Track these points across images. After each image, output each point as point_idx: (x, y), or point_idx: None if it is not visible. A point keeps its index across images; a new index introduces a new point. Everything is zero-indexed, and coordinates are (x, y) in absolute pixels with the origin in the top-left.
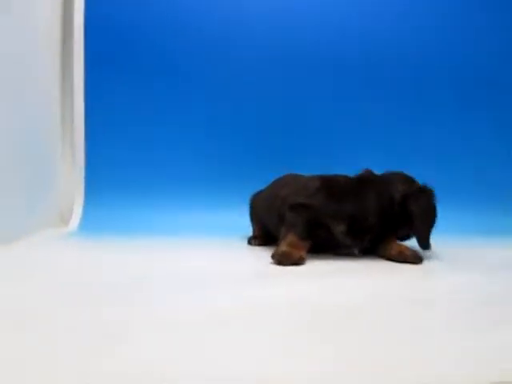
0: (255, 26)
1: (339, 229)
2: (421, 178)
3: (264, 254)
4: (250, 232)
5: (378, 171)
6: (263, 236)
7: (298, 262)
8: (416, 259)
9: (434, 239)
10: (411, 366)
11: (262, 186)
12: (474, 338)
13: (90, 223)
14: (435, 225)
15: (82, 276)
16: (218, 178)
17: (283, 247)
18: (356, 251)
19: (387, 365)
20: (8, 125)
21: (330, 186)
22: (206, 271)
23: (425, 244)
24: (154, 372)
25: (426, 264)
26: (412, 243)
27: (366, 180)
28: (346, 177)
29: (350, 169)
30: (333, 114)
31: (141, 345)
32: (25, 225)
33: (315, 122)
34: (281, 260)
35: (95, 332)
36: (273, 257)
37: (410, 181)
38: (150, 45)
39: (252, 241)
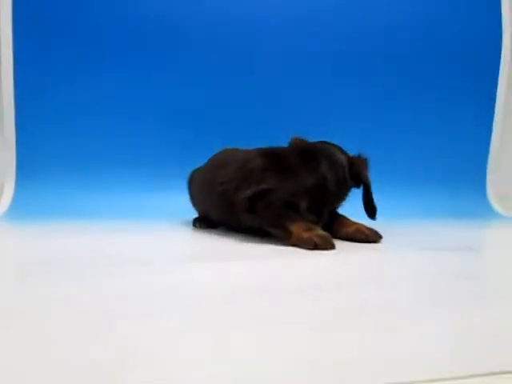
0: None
1: (302, 206)
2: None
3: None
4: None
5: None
6: (208, 218)
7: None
8: (376, 237)
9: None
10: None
11: None
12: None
13: (21, 208)
14: None
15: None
16: (160, 160)
17: (305, 233)
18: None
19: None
20: None
21: (277, 162)
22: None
23: (375, 212)
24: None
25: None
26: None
27: (311, 150)
28: (285, 148)
29: None
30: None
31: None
32: None
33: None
34: (320, 243)
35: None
36: (306, 243)
37: (342, 149)
38: (87, 20)
39: (197, 223)
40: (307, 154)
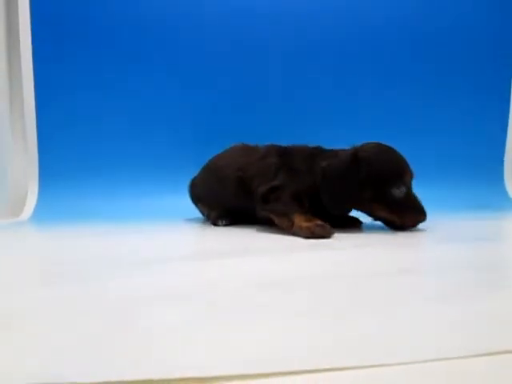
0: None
1: (305, 202)
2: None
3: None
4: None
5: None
6: (227, 214)
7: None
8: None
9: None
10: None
11: None
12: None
13: (44, 213)
14: None
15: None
16: (174, 163)
17: (305, 222)
18: None
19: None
20: None
21: (288, 161)
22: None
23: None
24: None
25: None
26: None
27: (315, 154)
28: (298, 149)
29: None
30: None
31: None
32: None
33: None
34: (316, 231)
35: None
36: (304, 231)
37: None
38: (101, 29)
39: (218, 221)
40: (313, 158)
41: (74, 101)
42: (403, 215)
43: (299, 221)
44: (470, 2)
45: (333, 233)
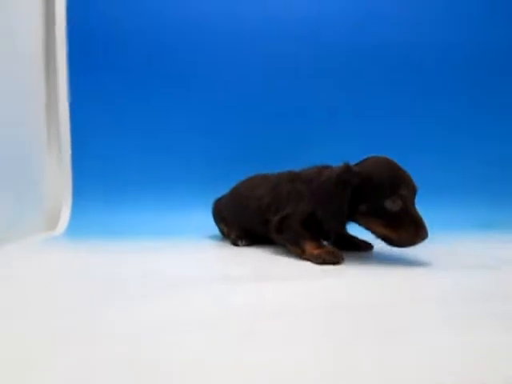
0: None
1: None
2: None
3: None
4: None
5: None
6: (247, 235)
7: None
8: (368, 247)
9: None
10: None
11: None
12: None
13: (77, 227)
14: None
15: (74, 277)
16: (207, 180)
17: (316, 250)
18: None
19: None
20: None
21: (298, 187)
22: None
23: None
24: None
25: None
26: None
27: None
28: (307, 174)
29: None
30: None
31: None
32: (13, 230)
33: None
34: (327, 258)
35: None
36: (316, 258)
37: None
38: (140, 42)
39: (238, 241)
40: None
41: (107, 118)
42: (400, 231)
43: (310, 248)
44: (487, 18)
45: (342, 258)
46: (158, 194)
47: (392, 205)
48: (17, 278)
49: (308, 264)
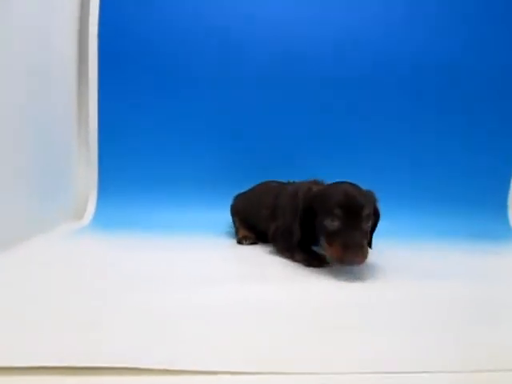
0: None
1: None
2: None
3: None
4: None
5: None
6: (252, 233)
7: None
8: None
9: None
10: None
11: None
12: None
13: (102, 220)
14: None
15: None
16: (226, 180)
17: (302, 256)
18: None
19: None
20: (27, 127)
21: (292, 200)
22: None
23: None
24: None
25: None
26: None
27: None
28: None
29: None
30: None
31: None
32: (41, 221)
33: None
34: (312, 263)
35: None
36: (303, 261)
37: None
38: (167, 45)
39: (243, 240)
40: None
41: (134, 115)
42: (331, 249)
43: (297, 255)
44: (475, 38)
45: (321, 264)
46: (173, 190)
47: (330, 223)
48: (53, 263)
49: (298, 265)
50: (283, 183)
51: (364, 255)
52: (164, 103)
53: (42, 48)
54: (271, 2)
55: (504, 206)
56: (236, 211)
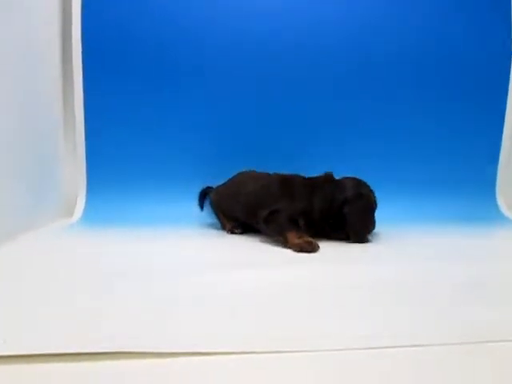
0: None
1: (300, 222)
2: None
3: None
4: None
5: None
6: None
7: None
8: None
9: None
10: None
11: None
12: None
13: (92, 216)
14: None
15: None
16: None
17: (296, 240)
18: None
19: None
20: (14, 124)
21: (288, 189)
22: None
23: (356, 238)
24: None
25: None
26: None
27: (315, 184)
28: (298, 178)
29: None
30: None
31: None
32: (30, 218)
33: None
34: (304, 247)
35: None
36: (295, 247)
37: (356, 187)
38: (149, 46)
39: (234, 230)
40: (310, 186)
41: (120, 108)
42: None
43: (291, 238)
44: (464, 29)
45: (318, 248)
46: (161, 184)
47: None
48: (45, 258)
49: (287, 251)
50: (262, 172)
51: None
52: (150, 98)
53: (23, 40)
54: None
55: (493, 187)
56: (217, 205)
